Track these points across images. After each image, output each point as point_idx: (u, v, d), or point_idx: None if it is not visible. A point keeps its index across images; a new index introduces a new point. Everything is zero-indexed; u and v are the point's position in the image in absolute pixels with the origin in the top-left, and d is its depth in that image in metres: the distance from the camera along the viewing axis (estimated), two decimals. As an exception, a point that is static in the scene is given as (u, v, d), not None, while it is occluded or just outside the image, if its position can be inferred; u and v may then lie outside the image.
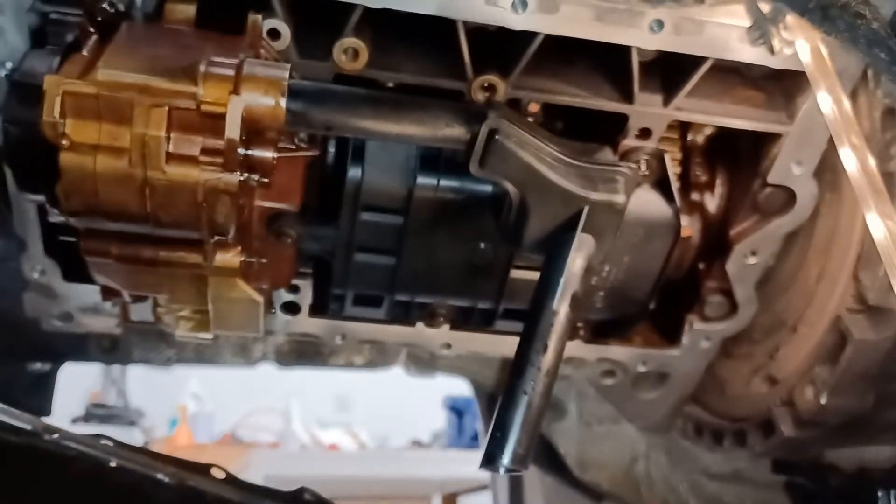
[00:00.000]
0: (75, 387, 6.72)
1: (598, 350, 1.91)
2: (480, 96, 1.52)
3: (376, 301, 1.81)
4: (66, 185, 1.21)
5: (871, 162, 1.15)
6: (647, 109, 1.59)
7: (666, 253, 1.69)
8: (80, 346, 2.19)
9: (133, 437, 6.87)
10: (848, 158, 1.15)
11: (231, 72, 1.22)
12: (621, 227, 1.45)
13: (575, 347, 1.88)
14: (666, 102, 1.60)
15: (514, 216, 1.44)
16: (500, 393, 1.39)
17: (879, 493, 1.90)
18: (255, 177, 1.29)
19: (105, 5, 1.30)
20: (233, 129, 1.20)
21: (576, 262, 1.38)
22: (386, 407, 7.87)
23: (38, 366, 2.33)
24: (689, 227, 1.80)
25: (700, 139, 1.82)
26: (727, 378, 2.05)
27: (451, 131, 1.38)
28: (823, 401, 1.78)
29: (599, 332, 1.91)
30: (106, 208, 1.24)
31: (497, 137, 1.35)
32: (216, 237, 1.32)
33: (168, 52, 1.26)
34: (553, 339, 1.34)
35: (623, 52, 1.52)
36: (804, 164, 1.69)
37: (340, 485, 5.93)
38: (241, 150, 1.23)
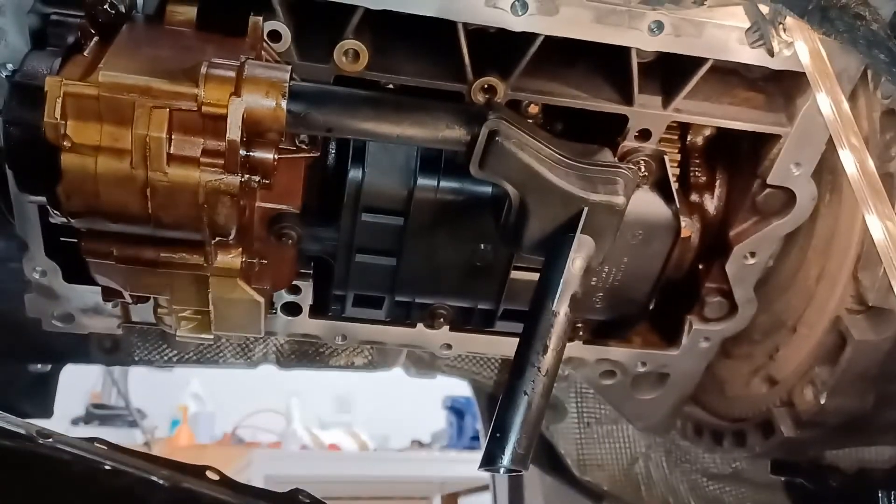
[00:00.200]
0: (76, 387, 6.73)
1: (598, 351, 1.91)
2: (480, 98, 1.52)
3: (377, 302, 1.81)
4: (68, 186, 1.21)
5: (871, 163, 1.15)
6: (646, 111, 1.60)
7: (665, 254, 1.69)
8: (82, 347, 2.19)
9: (134, 437, 6.88)
10: (847, 159, 1.15)
11: (232, 73, 1.22)
12: (621, 228, 1.45)
13: (574, 348, 1.88)
14: (665, 104, 1.60)
15: (514, 217, 1.44)
16: (499, 393, 1.40)
17: (880, 494, 1.90)
18: (256, 178, 1.30)
19: (106, 7, 1.30)
20: (234, 131, 1.21)
21: (575, 263, 1.38)
22: (386, 407, 7.88)
23: (39, 367, 2.34)
24: (689, 227, 1.80)
25: (699, 140, 1.82)
26: (727, 378, 2.06)
27: (451, 133, 1.38)
28: (823, 401, 1.78)
29: (599, 332, 1.91)
30: (107, 209, 1.24)
31: (497, 139, 1.36)
32: (217, 238, 1.32)
33: (169, 53, 1.27)
34: (553, 340, 1.34)
35: (622, 53, 1.52)
36: (803, 165, 1.69)
37: (341, 485, 5.94)
38: (242, 152, 1.23)
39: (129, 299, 1.52)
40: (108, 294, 1.51)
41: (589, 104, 1.58)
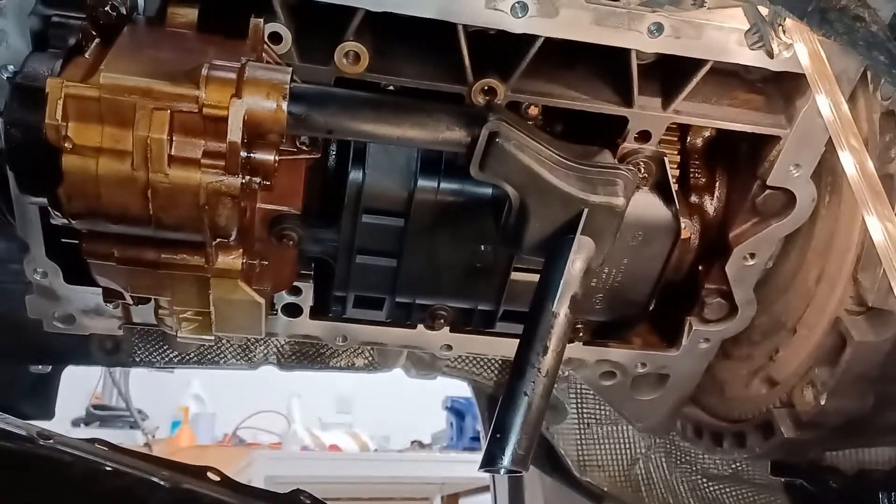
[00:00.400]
0: (77, 388, 6.73)
1: (598, 351, 1.92)
2: (481, 99, 1.52)
3: (377, 303, 1.81)
4: (69, 187, 1.21)
5: (870, 164, 1.15)
6: (646, 112, 1.60)
7: (665, 255, 1.69)
8: (83, 348, 2.19)
9: (134, 438, 6.88)
10: (847, 161, 1.16)
11: (233, 75, 1.23)
12: (621, 229, 1.46)
13: (575, 349, 1.89)
14: (665, 105, 1.60)
15: (514, 219, 1.45)
16: (500, 394, 1.40)
17: (880, 496, 1.90)
18: (257, 179, 1.30)
19: (107, 9, 1.30)
20: (235, 132, 1.21)
21: (575, 264, 1.39)
22: (387, 408, 7.89)
23: (39, 368, 2.34)
24: (689, 229, 1.81)
25: (699, 142, 1.82)
26: (727, 379, 2.06)
27: (451, 134, 1.39)
28: (823, 402, 1.78)
29: (599, 333, 1.91)
30: (108, 211, 1.24)
31: (497, 140, 1.36)
32: (218, 239, 1.32)
33: (170, 55, 1.27)
34: (553, 341, 1.35)
35: (622, 55, 1.52)
36: (803, 166, 1.69)
37: (342, 486, 5.95)
38: (242, 153, 1.23)
39: (129, 300, 1.52)
40: (109, 295, 1.51)
41: (589, 106, 1.58)
